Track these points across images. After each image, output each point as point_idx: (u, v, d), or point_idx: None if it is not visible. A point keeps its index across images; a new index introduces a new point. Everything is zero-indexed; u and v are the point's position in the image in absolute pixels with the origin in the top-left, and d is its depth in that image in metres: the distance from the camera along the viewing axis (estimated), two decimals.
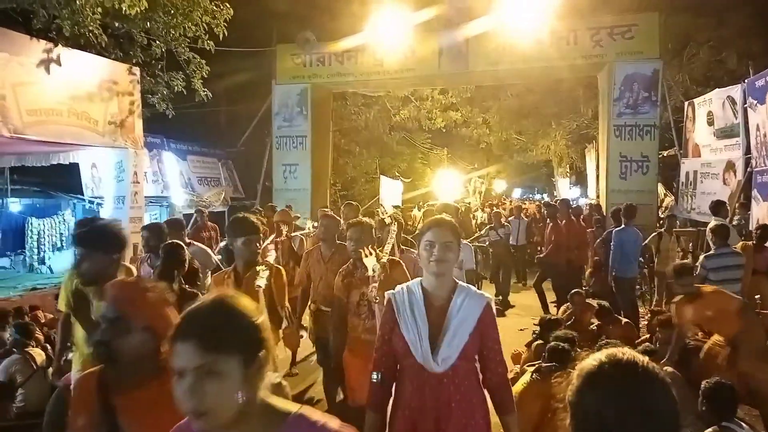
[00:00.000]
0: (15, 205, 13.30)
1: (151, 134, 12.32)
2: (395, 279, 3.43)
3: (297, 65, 14.49)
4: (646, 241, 9.16)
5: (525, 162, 29.45)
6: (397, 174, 23.34)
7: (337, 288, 4.17)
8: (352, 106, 19.15)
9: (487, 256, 11.51)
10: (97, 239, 3.08)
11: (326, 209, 10.20)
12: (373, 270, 3.64)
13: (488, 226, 11.68)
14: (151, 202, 13.05)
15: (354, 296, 4.05)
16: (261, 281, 3.49)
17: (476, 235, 11.95)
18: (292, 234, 7.50)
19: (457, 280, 2.64)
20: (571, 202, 12.98)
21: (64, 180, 12.63)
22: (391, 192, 20.29)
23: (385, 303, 2.71)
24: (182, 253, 4.64)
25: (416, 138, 23.15)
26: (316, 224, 7.38)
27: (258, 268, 3.66)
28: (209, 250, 6.73)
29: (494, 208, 16.84)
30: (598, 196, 14.75)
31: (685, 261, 6.44)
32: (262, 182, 15.66)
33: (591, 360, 1.23)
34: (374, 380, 2.63)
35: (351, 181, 22.47)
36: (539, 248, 13.15)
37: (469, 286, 2.64)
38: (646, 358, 1.22)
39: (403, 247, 5.14)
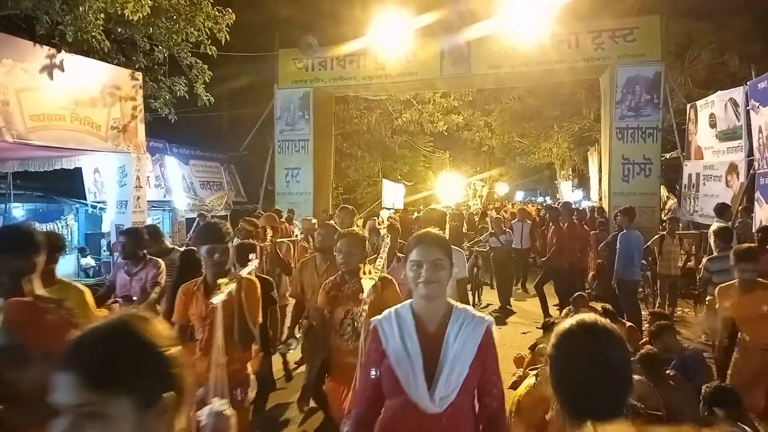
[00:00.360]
0: (18, 210, 13.33)
1: (153, 139, 12.35)
2: (385, 301, 3.04)
3: (299, 69, 14.53)
4: (648, 244, 9.15)
5: (527, 165, 29.43)
6: (399, 177, 23.36)
7: (321, 301, 3.81)
8: (354, 110, 19.20)
9: (488, 261, 11.33)
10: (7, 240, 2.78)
11: (327, 212, 10.23)
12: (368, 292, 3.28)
13: (488, 232, 11.46)
14: (154, 206, 13.07)
15: (338, 313, 3.68)
16: (218, 297, 3.05)
17: (475, 239, 11.80)
18: (278, 240, 7.21)
19: (453, 301, 2.30)
20: (573, 205, 12.97)
21: (66, 185, 12.67)
22: (393, 195, 20.30)
23: (370, 330, 2.33)
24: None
25: (418, 141, 23.17)
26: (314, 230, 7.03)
27: (220, 281, 3.25)
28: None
29: (499, 211, 16.66)
30: (600, 199, 14.74)
31: (753, 244, 5.77)
32: (264, 186, 15.69)
33: (563, 323, 1.59)
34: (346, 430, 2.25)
35: (353, 184, 22.49)
36: (534, 254, 13.13)
37: (467, 307, 2.29)
38: (606, 320, 1.57)
39: (401, 255, 4.61)
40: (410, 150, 23.91)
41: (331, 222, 6.15)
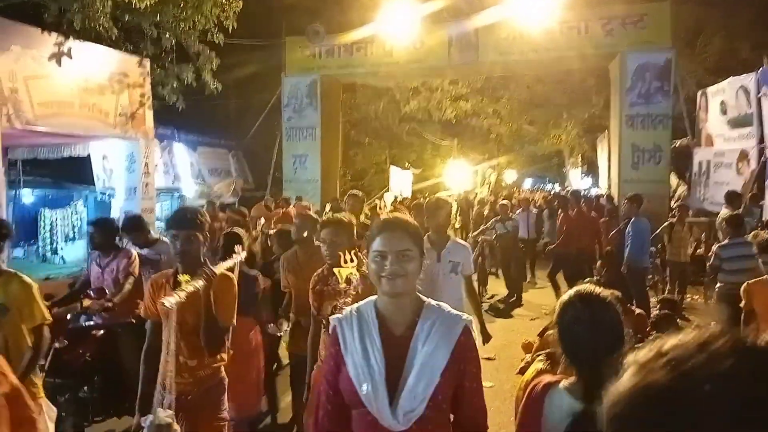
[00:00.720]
0: (28, 197, 13.43)
1: (161, 126, 12.37)
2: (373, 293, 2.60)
3: (306, 57, 14.49)
4: (658, 231, 9.13)
5: (536, 152, 29.30)
6: (407, 164, 23.32)
7: (310, 297, 3.58)
8: (361, 97, 19.14)
9: (494, 250, 10.98)
10: None
11: (336, 200, 10.23)
12: (348, 281, 2.93)
13: (495, 219, 10.95)
14: (162, 193, 13.13)
15: (325, 309, 3.37)
16: (170, 299, 2.62)
17: (482, 227, 11.43)
18: (271, 229, 6.84)
19: (425, 298, 1.97)
20: (582, 193, 12.90)
21: (76, 171, 12.74)
22: (401, 182, 20.29)
23: (330, 331, 2.02)
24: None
25: (426, 129, 23.08)
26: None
27: (181, 277, 2.89)
28: None
29: (512, 199, 16.20)
30: (609, 187, 14.66)
31: None
32: (272, 173, 15.71)
33: (565, 294, 1.93)
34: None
35: (361, 171, 22.48)
36: (546, 240, 12.90)
37: (441, 305, 1.96)
38: (602, 289, 1.91)
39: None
40: (418, 137, 23.82)
41: (311, 212, 5.71)
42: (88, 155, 11.14)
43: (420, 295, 1.97)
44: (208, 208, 10.78)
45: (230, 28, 10.24)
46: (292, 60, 14.67)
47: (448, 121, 20.76)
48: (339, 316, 2.00)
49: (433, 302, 1.96)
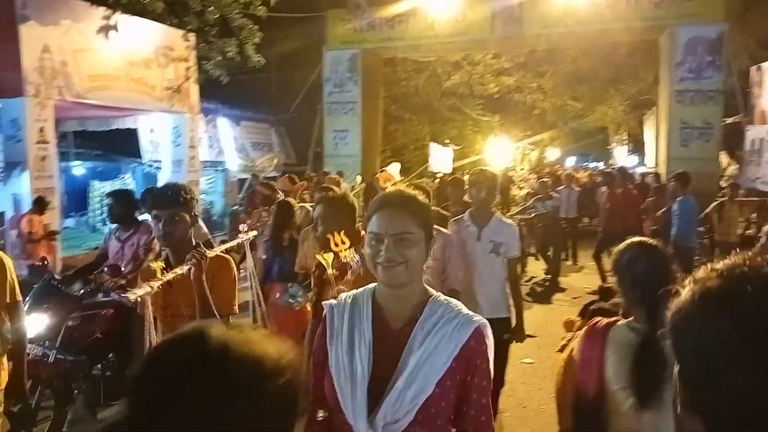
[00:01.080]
0: (78, 169, 13.86)
1: (205, 100, 12.56)
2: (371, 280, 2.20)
3: (347, 31, 14.43)
4: (707, 210, 8.87)
5: (580, 129, 28.58)
6: (447, 141, 23.11)
7: (312, 282, 3.24)
8: (402, 72, 18.99)
9: (533, 230, 10.41)
10: None
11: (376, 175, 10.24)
12: (342, 266, 2.58)
13: (535, 197, 10.44)
14: (207, 166, 13.38)
15: (326, 296, 2.87)
16: (136, 291, 2.34)
17: (521, 206, 10.89)
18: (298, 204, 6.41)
19: (432, 291, 1.67)
20: (629, 171, 12.56)
21: (124, 144, 13.07)
22: (441, 159, 20.15)
23: (323, 316, 1.73)
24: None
25: (467, 104, 22.79)
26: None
27: (153, 264, 2.62)
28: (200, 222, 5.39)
29: (555, 176, 15.55)
30: (656, 165, 14.27)
31: None
32: (312, 148, 15.81)
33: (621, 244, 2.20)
34: (319, 417, 1.65)
35: (401, 147, 22.40)
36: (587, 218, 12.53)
37: (451, 300, 1.66)
38: (654, 241, 2.22)
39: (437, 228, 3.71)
40: (459, 113, 23.56)
41: (336, 187, 5.54)
42: (136, 128, 11.41)
43: (428, 287, 1.67)
44: (253, 181, 10.97)
45: (272, 1, 10.27)
46: (334, 34, 14.64)
47: (490, 96, 20.44)
48: (332, 302, 1.71)
49: (442, 297, 1.65)
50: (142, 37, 9.02)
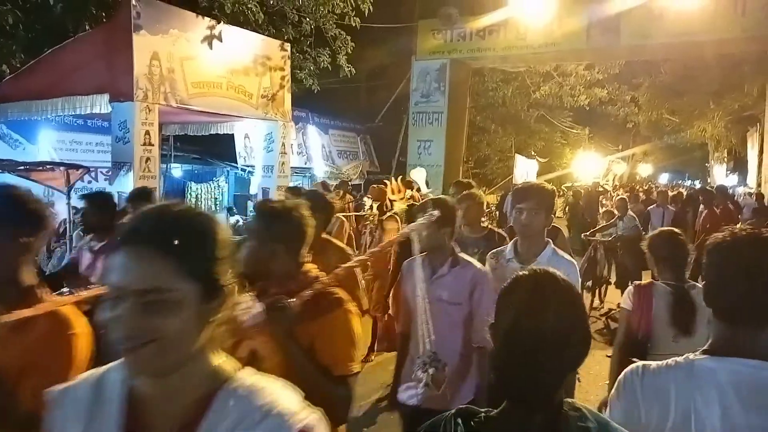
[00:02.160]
0: (177, 171, 14.59)
1: (296, 108, 12.96)
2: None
3: (437, 41, 14.47)
4: None
5: (676, 145, 27.33)
6: (533, 153, 22.68)
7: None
8: (489, 83, 18.85)
9: (611, 253, 8.91)
10: None
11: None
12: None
13: (617, 216, 9.12)
14: (296, 172, 13.77)
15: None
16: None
17: (600, 226, 9.58)
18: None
19: (229, 375, 1.06)
20: (729, 191, 11.84)
21: (220, 149, 13.67)
22: (525, 171, 19.79)
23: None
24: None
25: (556, 116, 22.30)
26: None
27: None
28: None
29: (649, 193, 14.66)
30: (759, 185, 13.37)
31: None
32: (396, 157, 15.93)
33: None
34: None
35: (484, 158, 22.22)
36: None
37: (254, 391, 1.02)
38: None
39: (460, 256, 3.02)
40: (546, 125, 23.09)
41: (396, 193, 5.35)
42: (232, 134, 11.91)
43: (223, 368, 1.06)
44: (341, 187, 11.22)
45: (366, 11, 10.47)
46: (424, 44, 14.71)
47: (580, 108, 19.90)
48: (57, 388, 1.10)
49: (242, 387, 1.03)
50: (243, 46, 9.40)
